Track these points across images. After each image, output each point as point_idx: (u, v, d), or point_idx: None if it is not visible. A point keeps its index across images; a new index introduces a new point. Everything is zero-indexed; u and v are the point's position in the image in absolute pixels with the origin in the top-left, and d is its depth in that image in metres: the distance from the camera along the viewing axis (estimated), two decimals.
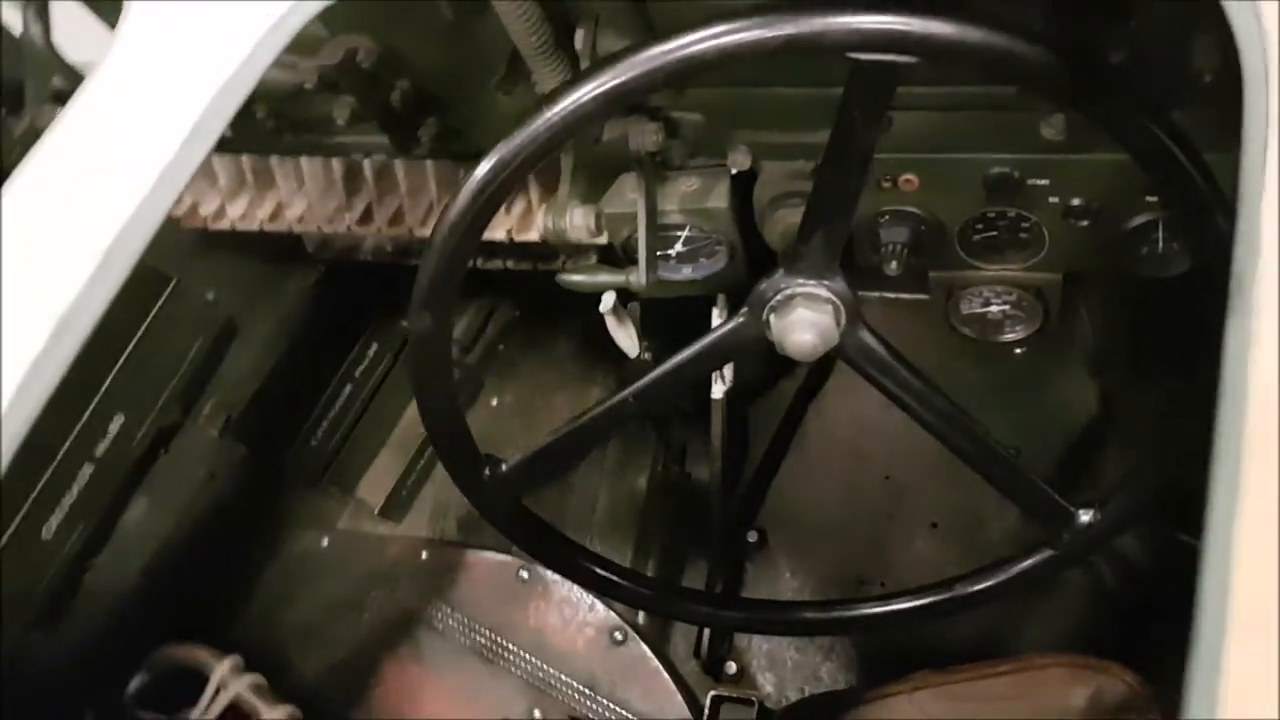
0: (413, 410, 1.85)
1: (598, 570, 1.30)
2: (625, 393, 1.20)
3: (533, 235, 1.42)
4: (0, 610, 1.44)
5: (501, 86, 1.24)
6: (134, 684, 1.52)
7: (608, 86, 0.94)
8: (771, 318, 1.14)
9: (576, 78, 0.96)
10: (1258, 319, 0.58)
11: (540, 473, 1.23)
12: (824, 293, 1.13)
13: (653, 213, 1.26)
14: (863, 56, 0.93)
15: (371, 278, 1.76)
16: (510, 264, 1.66)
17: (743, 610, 1.44)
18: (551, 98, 0.96)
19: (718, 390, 1.52)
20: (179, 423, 1.70)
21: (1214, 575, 0.51)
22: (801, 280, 1.13)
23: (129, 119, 0.80)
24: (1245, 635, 0.48)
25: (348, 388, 1.86)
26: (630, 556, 1.80)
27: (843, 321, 1.14)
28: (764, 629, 1.64)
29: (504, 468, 1.20)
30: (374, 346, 1.89)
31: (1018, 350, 1.81)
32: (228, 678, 1.46)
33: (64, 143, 0.80)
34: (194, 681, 1.50)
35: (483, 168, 0.98)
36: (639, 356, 1.48)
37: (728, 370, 1.51)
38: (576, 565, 1.30)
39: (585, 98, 0.94)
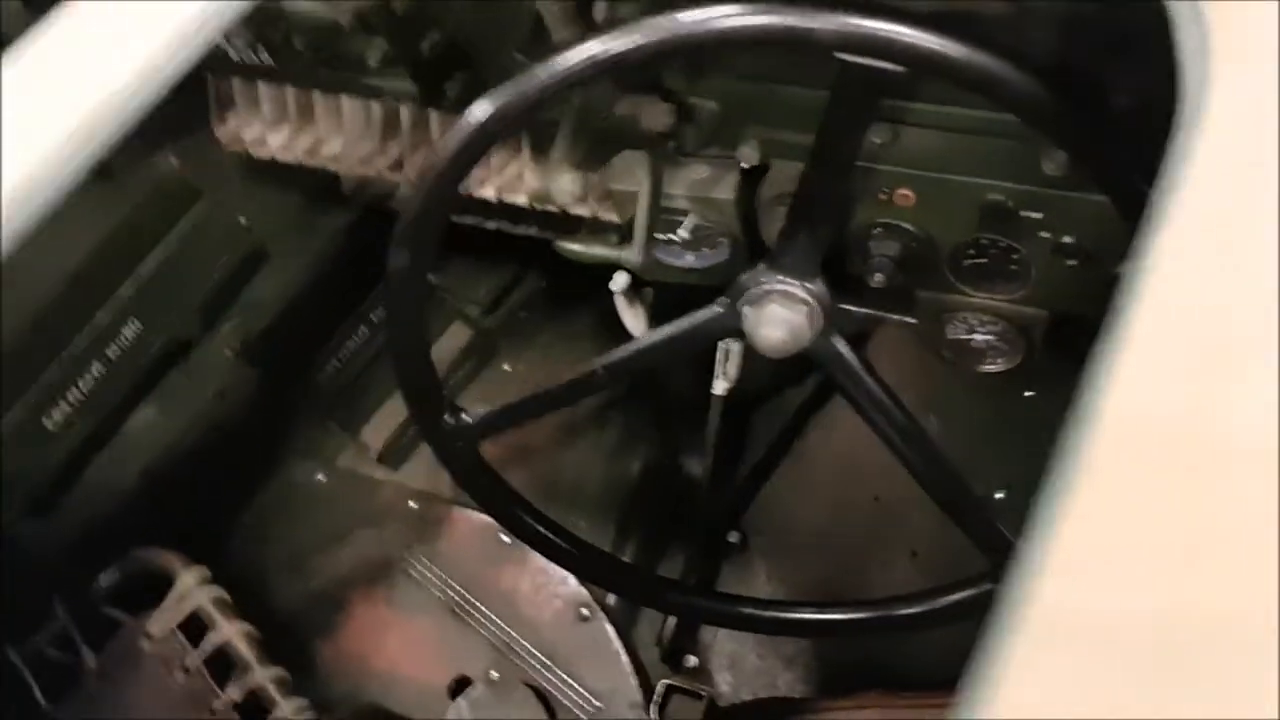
0: None
1: (535, 524, 1.32)
2: (596, 363, 1.22)
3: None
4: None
5: (522, 49, 1.26)
6: (103, 580, 1.55)
7: (597, 54, 0.96)
8: (746, 309, 1.15)
9: (570, 42, 0.98)
10: (1125, 354, 0.58)
11: (499, 427, 1.25)
12: (801, 293, 1.13)
13: (656, 192, 1.27)
14: (850, 59, 0.94)
15: None
16: (534, 231, 1.67)
17: (674, 593, 1.44)
18: (545, 58, 0.98)
19: (719, 387, 1.52)
20: (196, 338, 1.75)
21: (1019, 585, 0.52)
22: (781, 278, 1.14)
23: (114, 23, 0.82)
24: (1032, 649, 0.50)
25: (363, 329, 1.89)
26: (612, 538, 1.81)
27: (817, 324, 1.14)
28: (695, 615, 1.64)
29: (465, 417, 1.23)
30: None
31: (1028, 393, 1.79)
32: (192, 587, 1.49)
33: (53, 34, 0.83)
34: (162, 586, 1.53)
35: (469, 117, 1.00)
36: None
37: (732, 368, 1.51)
38: (515, 517, 1.32)
39: (575, 61, 0.96)
